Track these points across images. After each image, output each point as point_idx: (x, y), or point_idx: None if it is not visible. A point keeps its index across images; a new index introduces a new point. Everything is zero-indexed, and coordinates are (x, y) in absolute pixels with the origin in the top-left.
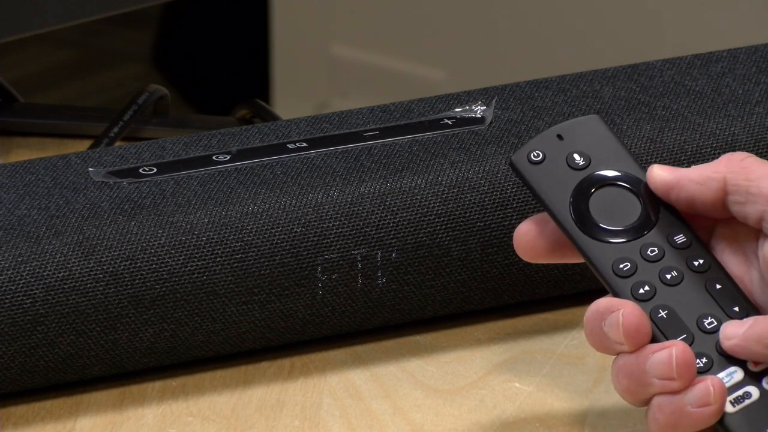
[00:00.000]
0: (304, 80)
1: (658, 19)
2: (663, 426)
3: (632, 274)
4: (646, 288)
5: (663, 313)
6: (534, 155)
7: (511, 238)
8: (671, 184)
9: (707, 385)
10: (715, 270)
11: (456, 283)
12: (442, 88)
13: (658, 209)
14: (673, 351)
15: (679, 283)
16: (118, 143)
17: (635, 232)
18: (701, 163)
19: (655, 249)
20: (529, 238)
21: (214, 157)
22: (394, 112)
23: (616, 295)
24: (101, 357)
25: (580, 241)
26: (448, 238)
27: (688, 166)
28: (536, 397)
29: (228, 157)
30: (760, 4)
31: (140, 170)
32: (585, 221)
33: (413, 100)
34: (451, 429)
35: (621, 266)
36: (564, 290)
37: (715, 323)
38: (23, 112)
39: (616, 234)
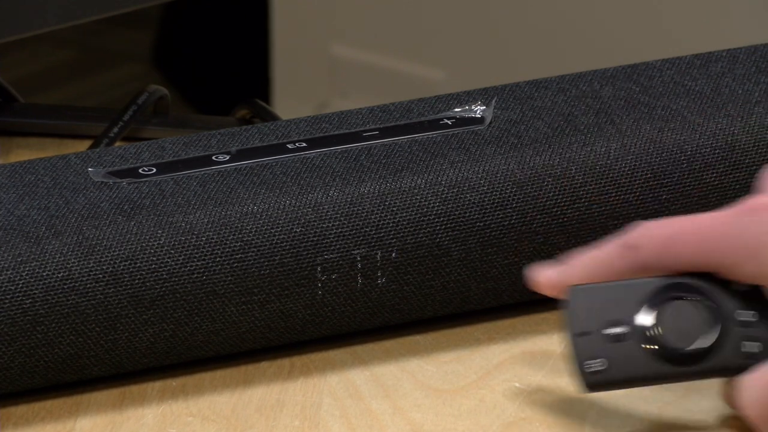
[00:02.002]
0: (304, 80)
1: (658, 19)
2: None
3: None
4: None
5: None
6: (595, 366)
7: (511, 237)
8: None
9: None
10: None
11: (456, 283)
12: (442, 88)
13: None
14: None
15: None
16: (117, 143)
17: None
18: (700, 163)
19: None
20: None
21: (213, 157)
22: (394, 112)
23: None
24: (101, 357)
25: (681, 375)
26: (447, 238)
27: (688, 166)
28: (536, 397)
29: (228, 157)
30: (760, 4)
31: (140, 170)
32: (672, 358)
33: (413, 100)
34: (451, 429)
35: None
36: None
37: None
38: (23, 112)
39: (707, 352)
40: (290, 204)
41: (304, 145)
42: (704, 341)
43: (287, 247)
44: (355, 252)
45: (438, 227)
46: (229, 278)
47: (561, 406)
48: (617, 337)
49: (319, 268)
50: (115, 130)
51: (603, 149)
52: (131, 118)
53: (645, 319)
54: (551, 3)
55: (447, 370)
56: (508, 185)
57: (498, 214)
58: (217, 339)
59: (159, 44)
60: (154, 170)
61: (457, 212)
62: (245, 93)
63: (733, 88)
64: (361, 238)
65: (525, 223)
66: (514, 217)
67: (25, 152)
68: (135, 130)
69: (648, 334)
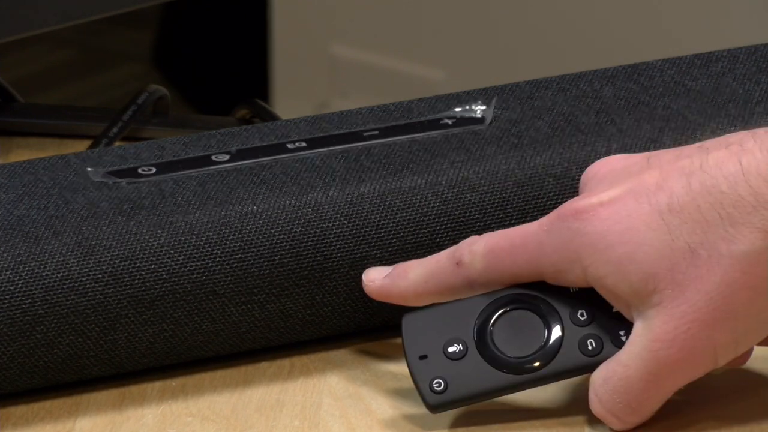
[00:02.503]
0: (304, 80)
1: (658, 19)
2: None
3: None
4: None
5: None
6: (437, 386)
7: None
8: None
9: None
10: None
11: None
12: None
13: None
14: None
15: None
16: (117, 143)
17: (552, 344)
18: None
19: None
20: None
21: (213, 157)
22: (394, 112)
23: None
24: (101, 357)
25: (529, 381)
26: (448, 238)
27: None
28: (536, 397)
29: (227, 157)
30: (760, 4)
31: (139, 170)
32: (516, 369)
33: (413, 100)
34: (451, 429)
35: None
36: None
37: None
38: (23, 112)
39: (535, 356)
40: (290, 204)
41: (304, 145)
42: (538, 346)
43: (287, 247)
44: (356, 252)
45: (438, 227)
46: (229, 278)
47: (561, 406)
48: (455, 356)
49: (319, 268)
50: (115, 130)
51: (604, 149)
52: (131, 118)
53: (480, 334)
54: (551, 3)
55: None
56: (509, 185)
57: (498, 214)
58: (217, 339)
59: (159, 44)
60: (154, 170)
61: (457, 212)
62: (245, 93)
63: (734, 88)
64: (361, 238)
65: (525, 223)
66: (514, 217)
67: (25, 152)
68: (135, 130)
69: (484, 348)
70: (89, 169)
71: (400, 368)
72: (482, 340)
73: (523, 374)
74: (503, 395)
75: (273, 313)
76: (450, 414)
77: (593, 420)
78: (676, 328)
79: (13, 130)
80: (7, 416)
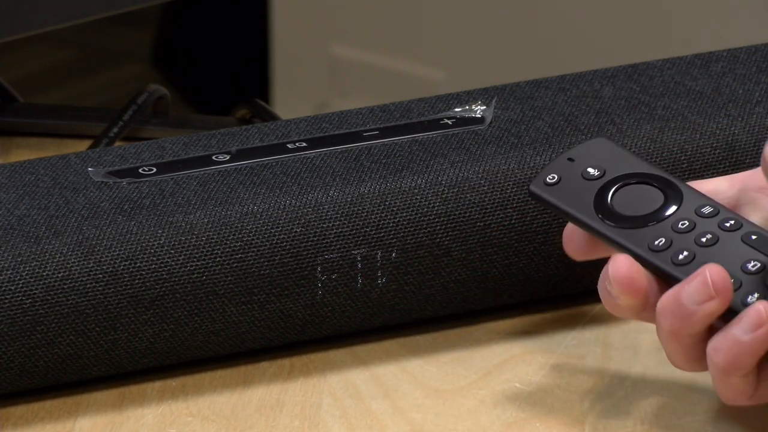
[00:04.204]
0: (304, 80)
1: (658, 19)
2: (725, 368)
3: (668, 247)
4: (685, 253)
5: None
6: (549, 179)
7: (511, 237)
8: None
9: (756, 308)
10: (748, 225)
11: (456, 283)
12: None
13: (681, 195)
14: (705, 271)
15: (716, 242)
16: (117, 143)
17: (662, 214)
18: (700, 163)
19: (686, 222)
20: (575, 238)
21: (213, 157)
22: (394, 112)
23: (657, 270)
24: (101, 357)
25: (613, 236)
26: (448, 238)
27: (688, 166)
28: (536, 397)
29: (228, 157)
30: (760, 4)
31: (140, 170)
32: (613, 218)
33: (413, 100)
34: (451, 429)
35: (656, 243)
36: (564, 290)
37: (759, 264)
38: (23, 112)
39: (644, 219)
40: (290, 204)
41: (304, 145)
42: (643, 211)
43: (287, 247)
44: (355, 252)
45: (438, 227)
46: (229, 278)
47: (561, 406)
48: (586, 176)
49: (319, 268)
50: (115, 130)
51: None
52: (131, 118)
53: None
54: (551, 3)
55: (447, 371)
56: (509, 185)
57: (498, 214)
58: (217, 339)
59: (159, 44)
60: (154, 170)
61: (457, 212)
62: (245, 93)
63: (734, 88)
64: (362, 238)
65: (525, 223)
66: (514, 217)
67: (25, 152)
68: (135, 130)
69: (607, 191)
70: (90, 169)
71: (401, 368)
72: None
73: (612, 224)
74: (587, 231)
75: (273, 313)
76: (450, 414)
77: (593, 420)
78: None
79: (13, 130)
80: (7, 416)
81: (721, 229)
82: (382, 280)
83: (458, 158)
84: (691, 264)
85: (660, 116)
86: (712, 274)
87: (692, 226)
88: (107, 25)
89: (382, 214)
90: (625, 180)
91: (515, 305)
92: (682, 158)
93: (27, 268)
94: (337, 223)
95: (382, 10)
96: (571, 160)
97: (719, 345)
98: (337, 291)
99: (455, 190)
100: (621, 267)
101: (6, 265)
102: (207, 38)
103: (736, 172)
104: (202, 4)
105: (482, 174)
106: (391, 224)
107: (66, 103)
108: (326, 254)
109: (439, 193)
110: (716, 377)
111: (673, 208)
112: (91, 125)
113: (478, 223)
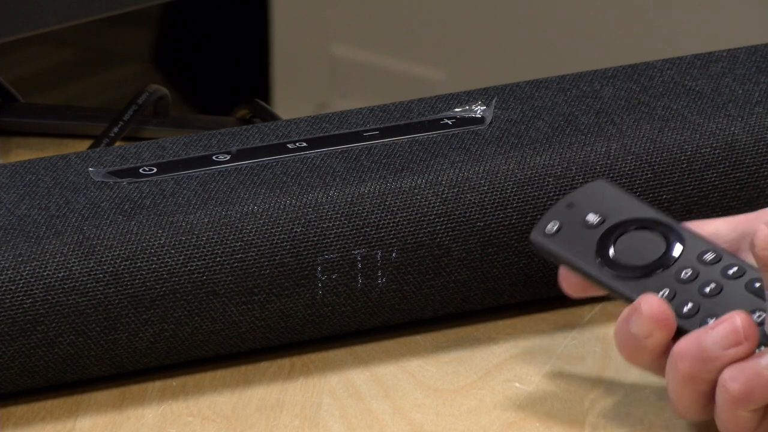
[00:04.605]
0: (304, 80)
1: (658, 19)
2: (739, 397)
3: (673, 298)
4: (690, 305)
5: (712, 321)
6: (549, 228)
7: (511, 237)
8: None
9: None
10: (751, 272)
11: (456, 283)
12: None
13: (683, 240)
14: (736, 318)
15: (720, 292)
16: (118, 143)
17: (665, 262)
18: (700, 163)
19: (689, 270)
20: (572, 279)
21: (214, 157)
22: (394, 112)
23: None
24: (101, 357)
25: (617, 287)
26: (448, 238)
27: (688, 166)
28: (536, 397)
29: (228, 157)
30: (760, 4)
31: (140, 170)
32: (616, 267)
33: (413, 100)
34: (451, 429)
35: (660, 294)
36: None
37: (764, 314)
38: (23, 112)
39: (647, 269)
40: (290, 204)
41: (305, 145)
42: (646, 260)
43: (287, 247)
44: (356, 252)
45: (438, 227)
46: (230, 278)
47: (561, 406)
48: (587, 224)
49: (319, 268)
50: (115, 130)
51: (603, 149)
52: (131, 118)
53: (610, 233)
54: (551, 3)
55: (447, 370)
56: (509, 185)
57: (498, 214)
58: (217, 339)
59: (159, 44)
60: (155, 170)
61: (457, 212)
62: (245, 93)
63: (734, 88)
64: (362, 238)
65: (525, 223)
66: (514, 217)
67: (25, 152)
68: (135, 130)
69: (608, 239)
70: (90, 169)
71: (401, 368)
72: (614, 233)
73: (615, 273)
74: (589, 281)
75: (273, 313)
76: (450, 414)
77: (593, 420)
78: None
79: (13, 130)
80: (7, 416)
81: (725, 277)
82: (382, 280)
83: (458, 158)
84: (696, 316)
85: (660, 116)
86: (742, 320)
87: (695, 275)
88: (107, 25)
89: (382, 214)
90: (626, 226)
91: (515, 305)
92: (682, 158)
93: (27, 268)
94: (338, 223)
95: (382, 11)
96: (570, 206)
97: (737, 375)
98: (337, 291)
99: (455, 190)
100: (654, 303)
101: (6, 264)
102: (207, 38)
103: (736, 173)
104: (202, 4)
105: (482, 174)
106: (391, 224)
107: (66, 103)
108: (326, 254)
109: (439, 193)
110: (724, 409)
111: (675, 256)
112: (91, 125)
113: (478, 223)
